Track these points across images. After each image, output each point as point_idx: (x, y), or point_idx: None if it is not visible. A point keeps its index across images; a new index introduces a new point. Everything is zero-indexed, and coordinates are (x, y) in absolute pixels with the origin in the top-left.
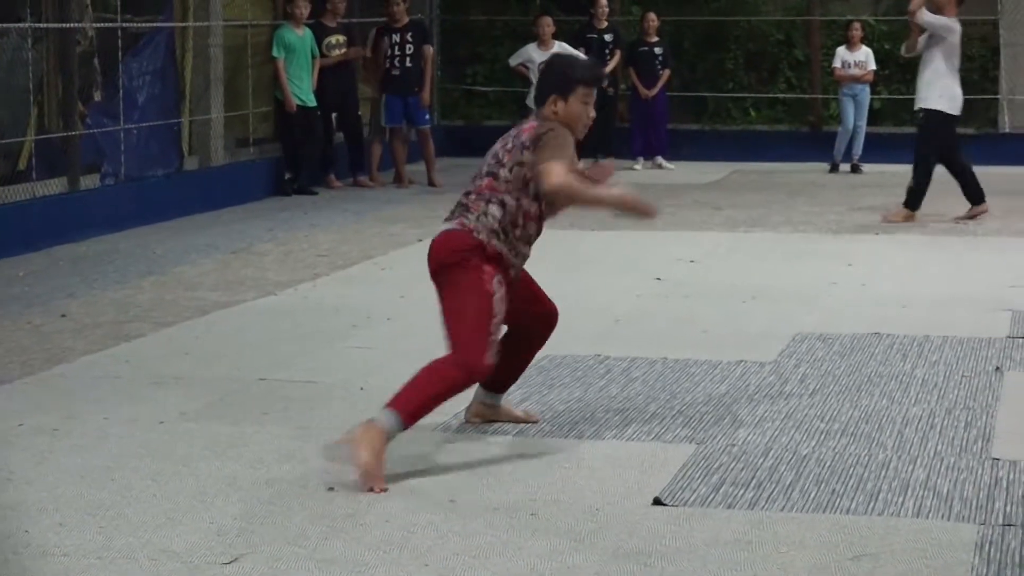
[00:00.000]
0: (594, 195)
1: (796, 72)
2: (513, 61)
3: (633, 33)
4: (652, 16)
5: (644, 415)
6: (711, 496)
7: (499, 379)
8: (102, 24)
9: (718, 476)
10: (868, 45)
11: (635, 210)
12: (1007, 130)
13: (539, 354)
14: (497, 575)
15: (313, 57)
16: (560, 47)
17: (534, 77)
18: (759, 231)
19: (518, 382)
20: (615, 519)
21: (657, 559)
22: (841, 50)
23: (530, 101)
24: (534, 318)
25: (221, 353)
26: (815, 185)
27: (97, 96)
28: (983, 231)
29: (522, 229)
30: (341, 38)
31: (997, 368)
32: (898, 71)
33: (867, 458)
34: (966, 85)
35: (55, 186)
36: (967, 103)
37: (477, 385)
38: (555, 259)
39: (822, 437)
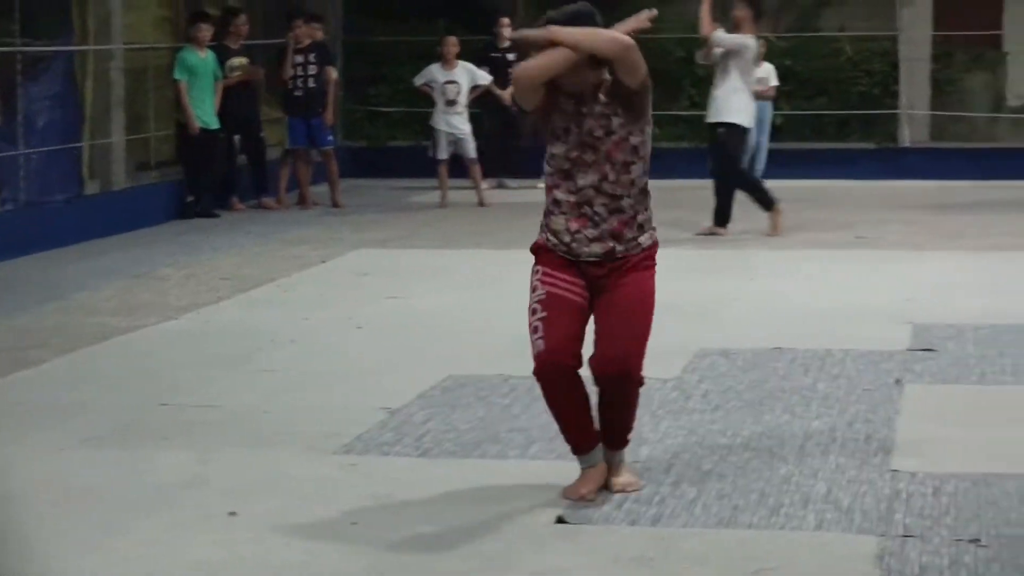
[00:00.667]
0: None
1: (699, 89)
2: (417, 81)
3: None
4: None
5: (548, 434)
6: (614, 513)
7: (601, 431)
8: (1, 48)
9: (622, 493)
10: (769, 62)
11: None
12: (907, 144)
13: (442, 374)
14: None
15: (216, 80)
16: (464, 67)
17: (438, 97)
18: (665, 248)
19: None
20: (520, 538)
21: None
22: None
23: (434, 121)
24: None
25: (123, 379)
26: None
27: None
28: (880, 244)
29: (550, 204)
30: (243, 60)
31: (897, 380)
32: (799, 87)
33: (769, 473)
34: (867, 100)
35: None
36: (869, 118)
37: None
38: (460, 279)
39: (724, 452)
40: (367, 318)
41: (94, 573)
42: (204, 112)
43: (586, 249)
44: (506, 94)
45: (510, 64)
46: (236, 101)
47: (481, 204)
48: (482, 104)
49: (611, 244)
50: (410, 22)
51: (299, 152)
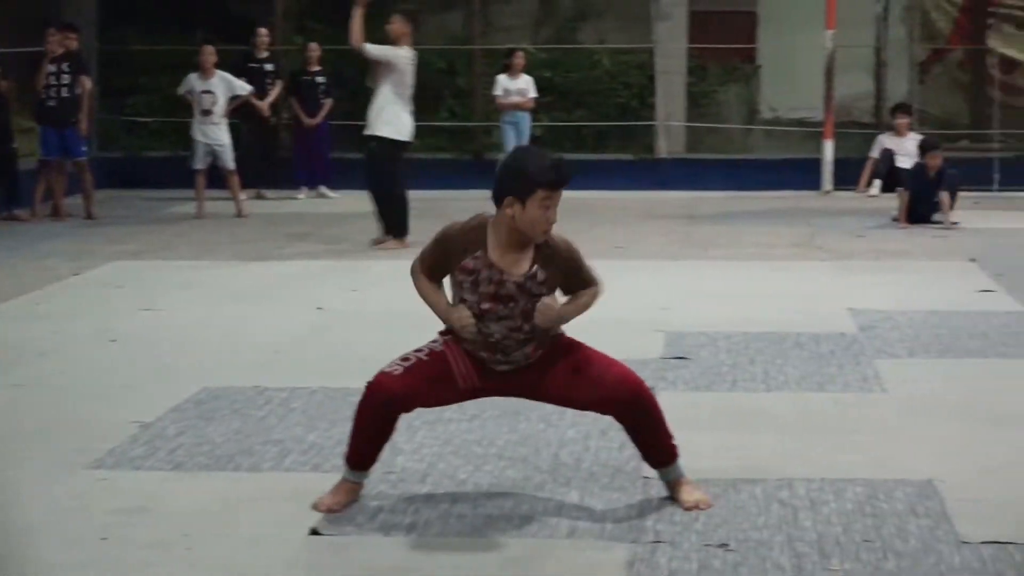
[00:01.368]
0: (432, 302)
1: (459, 100)
2: (180, 91)
3: (296, 62)
4: (314, 46)
5: (303, 445)
6: (368, 524)
7: (645, 456)
8: None
9: (376, 503)
10: (528, 73)
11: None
12: (663, 156)
13: (196, 387)
14: None
15: None
16: (221, 77)
17: (195, 107)
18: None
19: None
20: (273, 551)
21: None
22: (502, 78)
23: (192, 131)
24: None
25: None
26: (478, 212)
27: None
28: (637, 254)
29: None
30: None
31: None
32: (559, 99)
33: (523, 481)
34: (625, 111)
35: None
36: (627, 130)
37: None
38: (216, 291)
39: (479, 461)
40: (121, 331)
41: None
42: None
43: (492, 365)
44: (264, 105)
45: (268, 74)
46: None
47: (239, 215)
48: (241, 115)
49: (524, 363)
50: (168, 32)
51: (52, 163)
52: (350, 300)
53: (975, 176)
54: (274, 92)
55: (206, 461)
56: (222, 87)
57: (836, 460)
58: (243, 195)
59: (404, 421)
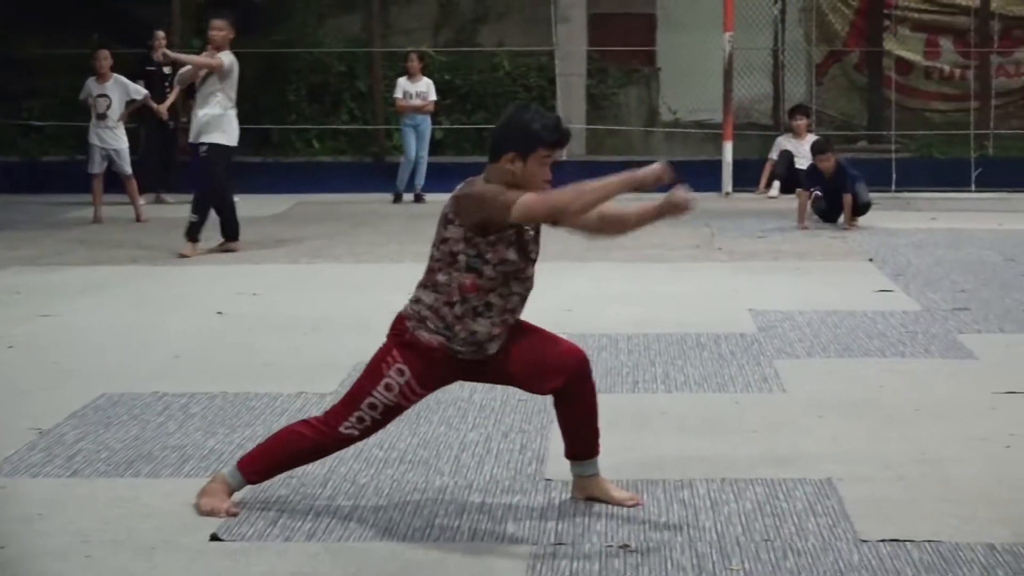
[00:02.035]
0: (599, 186)
1: (359, 103)
2: (81, 95)
3: None
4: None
5: (202, 451)
6: (269, 529)
7: (570, 447)
8: None
9: (276, 509)
10: (429, 76)
11: (644, 184)
12: (564, 158)
13: (95, 392)
14: None
15: None
16: (117, 81)
17: (94, 111)
18: (322, 262)
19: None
20: (171, 557)
21: None
22: (402, 81)
23: (90, 136)
24: (528, 382)
25: None
26: (379, 215)
27: None
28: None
29: (461, 304)
30: None
31: None
32: (459, 101)
33: (424, 484)
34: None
35: None
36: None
37: (569, 464)
38: (114, 295)
39: (381, 465)
40: (19, 337)
41: None
42: None
43: (493, 348)
44: (163, 108)
45: (166, 78)
46: None
47: (138, 219)
48: (140, 118)
49: (503, 337)
50: (65, 36)
51: None
52: (251, 304)
53: (873, 177)
54: (172, 95)
55: (105, 468)
56: (118, 91)
57: (736, 460)
58: (142, 199)
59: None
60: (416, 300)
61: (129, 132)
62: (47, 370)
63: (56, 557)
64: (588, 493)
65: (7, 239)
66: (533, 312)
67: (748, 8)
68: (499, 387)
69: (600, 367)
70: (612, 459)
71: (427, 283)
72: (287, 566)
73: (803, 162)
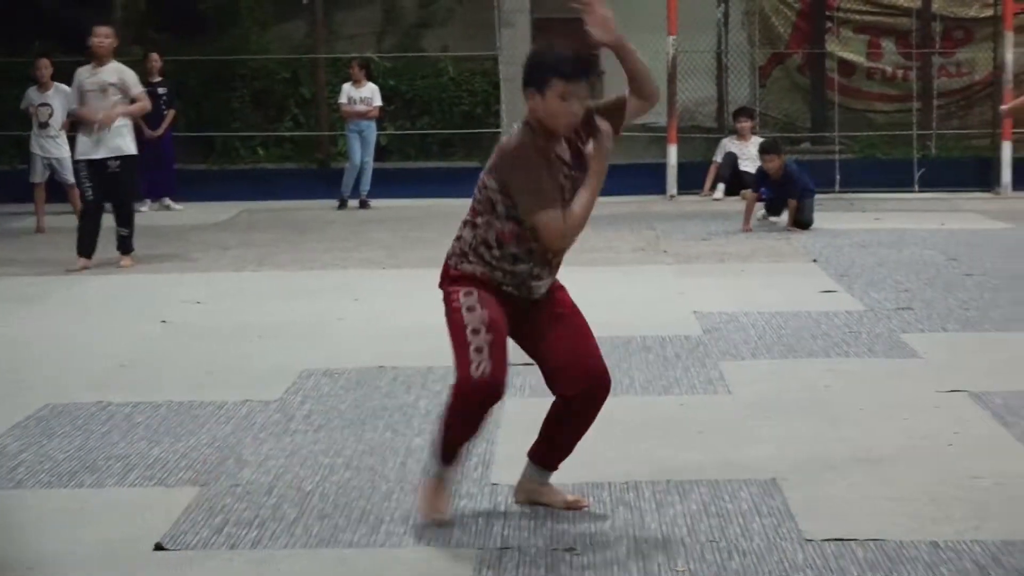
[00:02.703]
0: (595, 184)
1: (303, 110)
2: (23, 104)
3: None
4: (155, 56)
5: (147, 460)
6: (214, 538)
7: (541, 453)
8: None
9: (221, 517)
10: (373, 82)
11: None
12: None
13: (39, 403)
14: None
15: None
16: (59, 89)
17: (36, 120)
18: (267, 269)
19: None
20: (116, 568)
21: None
22: (347, 87)
23: (32, 146)
24: (549, 373)
25: None
26: (324, 222)
27: None
28: None
29: (499, 249)
30: None
31: None
32: (404, 107)
33: (370, 490)
34: (470, 119)
35: None
36: (472, 137)
37: (527, 462)
38: (58, 305)
39: (326, 472)
40: None
41: None
42: None
43: (539, 288)
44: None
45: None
46: None
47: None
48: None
49: (550, 279)
50: (4, 44)
51: None
52: (195, 312)
53: (817, 178)
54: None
55: (48, 479)
56: (59, 100)
57: (681, 462)
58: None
59: (249, 433)
60: (458, 237)
61: (72, 141)
62: None
63: None
64: (532, 497)
65: None
66: None
67: (691, 11)
68: (444, 394)
69: None
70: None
71: (469, 221)
72: (232, 574)
73: (747, 164)
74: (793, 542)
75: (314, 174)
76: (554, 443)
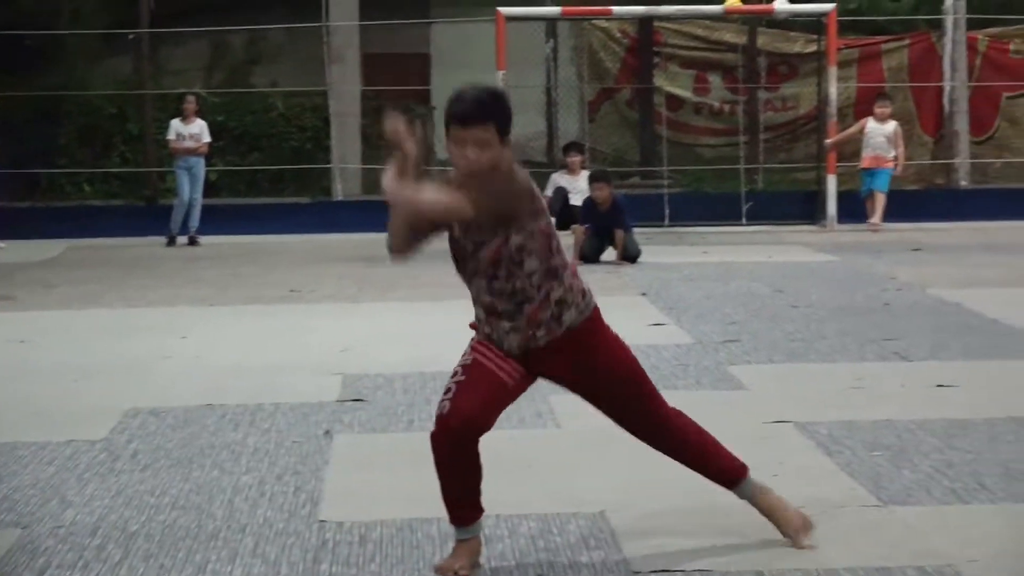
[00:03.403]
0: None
1: (130, 146)
2: None
3: None
4: None
5: None
6: None
7: None
8: None
9: (44, 559)
10: (202, 118)
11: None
12: (340, 198)
13: None
14: None
15: None
16: None
17: None
18: (93, 308)
19: None
20: None
21: None
22: (175, 123)
23: None
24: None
25: None
26: (153, 259)
27: None
28: (315, 298)
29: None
30: None
31: (327, 432)
32: (233, 143)
33: (197, 530)
34: (300, 155)
35: None
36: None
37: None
38: None
39: (152, 512)
40: None
41: None
42: None
43: (506, 342)
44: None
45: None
46: None
47: None
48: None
49: (530, 332)
50: None
51: None
52: (18, 351)
53: (646, 212)
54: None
55: None
56: None
57: (511, 496)
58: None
59: (74, 474)
60: None
61: None
62: None
63: None
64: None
65: None
66: (307, 354)
67: (521, 47)
68: (273, 431)
69: (375, 407)
70: (386, 500)
71: None
72: None
73: (577, 198)
74: (621, 573)
75: (142, 211)
76: None
